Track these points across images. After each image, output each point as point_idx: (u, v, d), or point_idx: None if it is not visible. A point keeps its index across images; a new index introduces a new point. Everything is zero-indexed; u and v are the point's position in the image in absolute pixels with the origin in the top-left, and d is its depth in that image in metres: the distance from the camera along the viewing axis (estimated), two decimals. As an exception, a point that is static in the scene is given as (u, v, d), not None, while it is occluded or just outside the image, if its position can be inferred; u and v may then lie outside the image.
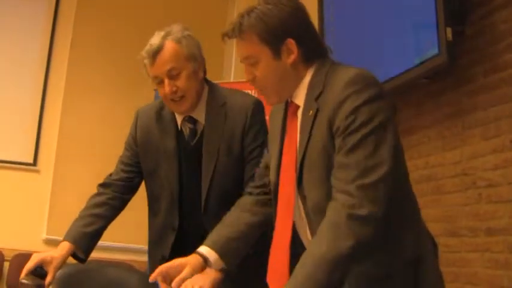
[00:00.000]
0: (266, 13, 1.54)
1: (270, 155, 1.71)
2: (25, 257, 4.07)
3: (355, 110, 1.41)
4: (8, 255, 4.78)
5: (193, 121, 2.08)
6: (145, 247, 2.28)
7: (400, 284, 1.45)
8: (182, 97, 2.00)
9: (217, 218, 1.81)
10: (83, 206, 2.13)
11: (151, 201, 2.19)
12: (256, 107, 2.07)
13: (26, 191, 5.05)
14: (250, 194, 1.82)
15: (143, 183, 2.22)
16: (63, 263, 1.94)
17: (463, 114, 2.48)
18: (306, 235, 1.57)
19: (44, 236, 4.96)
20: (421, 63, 2.53)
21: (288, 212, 1.56)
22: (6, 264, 4.79)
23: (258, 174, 1.83)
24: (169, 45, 1.98)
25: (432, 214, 2.53)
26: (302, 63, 1.56)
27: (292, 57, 1.54)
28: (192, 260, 1.67)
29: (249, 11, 1.56)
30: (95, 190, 2.17)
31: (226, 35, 1.59)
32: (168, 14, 4.34)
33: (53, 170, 5.10)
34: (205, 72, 2.09)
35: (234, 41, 1.60)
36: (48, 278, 1.89)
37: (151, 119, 2.15)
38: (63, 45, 5.30)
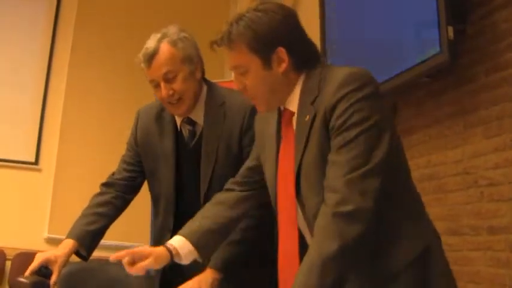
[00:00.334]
0: (255, 21, 1.50)
1: (263, 163, 1.67)
2: (27, 256, 4.12)
3: (350, 109, 1.40)
4: (10, 254, 4.79)
5: (192, 123, 2.07)
6: (146, 246, 2.28)
7: (408, 280, 1.42)
8: (179, 100, 1.99)
9: None
10: (84, 204, 2.14)
11: (153, 201, 2.19)
12: (254, 108, 2.07)
13: (28, 190, 5.06)
14: (230, 190, 1.79)
15: (145, 183, 2.22)
16: (66, 261, 1.95)
17: (464, 113, 2.48)
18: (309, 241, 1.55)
19: (46, 234, 4.97)
20: (423, 61, 2.53)
21: (291, 221, 1.54)
22: (8, 263, 4.80)
23: (240, 173, 1.81)
24: (165, 49, 1.97)
25: (434, 213, 2.52)
26: (293, 71, 1.53)
27: (284, 66, 1.51)
28: (157, 250, 1.67)
29: (238, 19, 1.52)
30: (96, 189, 2.18)
31: (215, 43, 1.55)
32: (169, 16, 4.34)
33: (55, 169, 5.11)
34: (203, 72, 2.07)
35: None
36: (53, 278, 1.89)
37: (151, 120, 2.15)
38: (64, 42, 5.30)
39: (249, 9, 1.54)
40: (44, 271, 1.89)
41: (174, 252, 1.67)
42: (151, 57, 1.96)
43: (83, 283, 2.08)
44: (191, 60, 2.01)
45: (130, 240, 4.88)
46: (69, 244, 1.97)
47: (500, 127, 2.26)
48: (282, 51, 1.50)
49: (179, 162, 2.09)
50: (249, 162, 1.81)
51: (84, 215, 2.08)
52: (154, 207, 2.19)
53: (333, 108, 1.42)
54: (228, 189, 1.80)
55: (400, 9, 2.76)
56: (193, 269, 1.81)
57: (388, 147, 1.40)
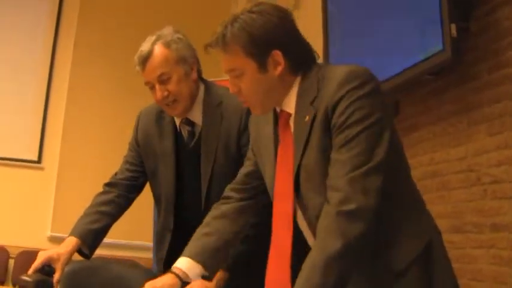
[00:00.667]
0: (250, 23, 1.47)
1: (262, 167, 1.66)
2: (30, 254, 4.12)
3: (351, 107, 1.39)
4: (13, 253, 4.79)
5: (191, 123, 2.07)
6: (149, 244, 2.28)
7: (411, 279, 1.41)
8: (174, 101, 1.99)
9: None
10: (87, 203, 2.14)
11: (155, 201, 2.20)
12: None
13: (31, 189, 5.06)
14: (229, 198, 1.76)
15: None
16: (69, 259, 1.96)
17: (467, 110, 2.47)
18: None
19: (49, 233, 4.97)
20: (426, 59, 2.52)
21: (287, 223, 1.53)
22: (11, 262, 4.80)
23: (238, 180, 1.78)
24: (159, 51, 1.97)
25: (437, 210, 2.53)
26: (289, 73, 1.51)
27: (280, 69, 1.49)
28: (167, 283, 1.63)
29: (232, 21, 1.49)
30: (99, 187, 2.18)
31: (209, 46, 1.53)
32: (171, 14, 4.33)
33: (58, 167, 5.11)
34: (200, 72, 2.07)
35: None
36: (57, 276, 1.90)
37: (151, 121, 2.15)
38: (67, 40, 5.30)
39: (243, 10, 1.51)
40: (47, 269, 1.90)
41: (183, 276, 1.66)
42: (145, 59, 1.97)
43: (86, 281, 2.08)
44: (185, 61, 2.00)
45: (133, 238, 4.90)
46: (72, 242, 1.98)
47: (503, 125, 2.26)
48: (277, 54, 1.48)
49: (179, 163, 2.09)
50: (245, 168, 1.77)
51: (87, 214, 2.08)
52: (157, 207, 2.20)
53: (335, 106, 1.41)
54: (227, 197, 1.76)
55: (403, 6, 2.76)
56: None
57: (388, 145, 1.39)
